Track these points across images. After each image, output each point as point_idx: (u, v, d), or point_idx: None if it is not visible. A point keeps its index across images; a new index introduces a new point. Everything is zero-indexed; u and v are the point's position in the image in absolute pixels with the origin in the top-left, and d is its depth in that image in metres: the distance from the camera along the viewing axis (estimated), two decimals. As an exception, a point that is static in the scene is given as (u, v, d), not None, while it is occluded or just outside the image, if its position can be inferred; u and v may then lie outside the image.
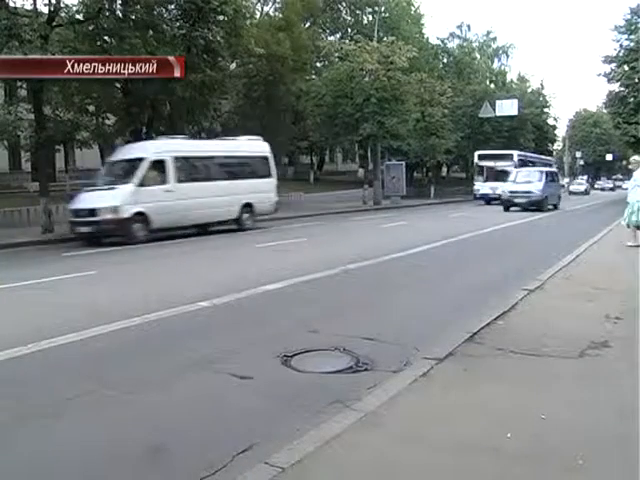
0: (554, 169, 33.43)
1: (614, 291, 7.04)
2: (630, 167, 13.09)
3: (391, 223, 19.23)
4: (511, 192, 25.26)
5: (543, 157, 43.80)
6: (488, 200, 30.60)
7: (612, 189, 68.64)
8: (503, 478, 2.89)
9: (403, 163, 34.41)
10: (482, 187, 32.36)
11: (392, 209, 28.38)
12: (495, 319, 5.72)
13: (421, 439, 3.29)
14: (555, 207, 26.80)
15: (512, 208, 24.69)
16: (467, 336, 5.11)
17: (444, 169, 55.81)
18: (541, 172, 27.25)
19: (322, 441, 3.22)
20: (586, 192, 54.51)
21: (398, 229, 17.80)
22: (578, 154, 72.21)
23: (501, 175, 30.15)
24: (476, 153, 35.29)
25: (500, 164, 31.97)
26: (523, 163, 33.04)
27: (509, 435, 3.28)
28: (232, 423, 3.77)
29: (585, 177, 77.17)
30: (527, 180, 26.00)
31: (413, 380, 4.13)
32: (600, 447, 3.15)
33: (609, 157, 71.42)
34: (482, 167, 33.92)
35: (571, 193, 51.25)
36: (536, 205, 24.48)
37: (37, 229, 16.67)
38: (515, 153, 33.77)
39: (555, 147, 68.67)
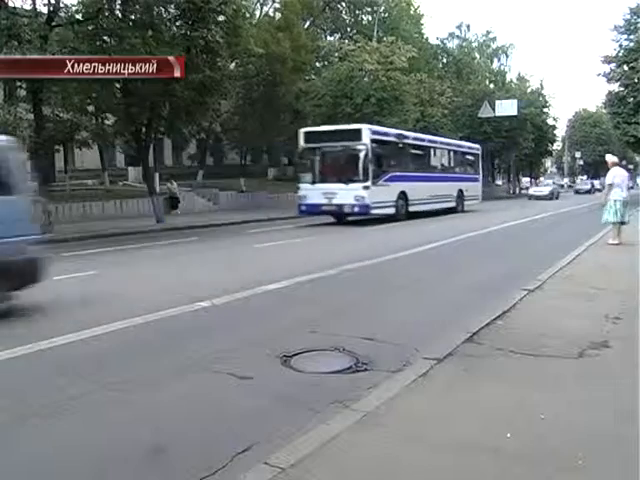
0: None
1: (614, 291, 7.04)
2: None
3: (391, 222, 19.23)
4: None
5: (459, 143, 29.02)
6: (319, 214, 19.31)
7: (589, 191, 55.30)
8: (503, 478, 2.89)
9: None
10: (310, 192, 19.04)
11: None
12: (495, 319, 5.72)
13: (421, 439, 3.28)
14: None
15: None
16: (467, 336, 5.11)
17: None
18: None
19: (322, 441, 3.21)
20: (552, 196, 42.76)
21: (398, 228, 17.80)
22: (577, 154, 72.29)
23: (344, 169, 18.85)
24: (301, 131, 20.20)
25: (341, 148, 19.20)
26: (390, 148, 20.26)
27: (509, 435, 3.28)
28: (232, 423, 3.77)
29: (584, 177, 77.24)
30: None
31: (413, 380, 4.13)
32: (600, 447, 3.14)
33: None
34: (312, 158, 19.53)
35: (532, 198, 42.06)
36: None
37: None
38: (365, 128, 19.04)
39: (555, 147, 68.63)
